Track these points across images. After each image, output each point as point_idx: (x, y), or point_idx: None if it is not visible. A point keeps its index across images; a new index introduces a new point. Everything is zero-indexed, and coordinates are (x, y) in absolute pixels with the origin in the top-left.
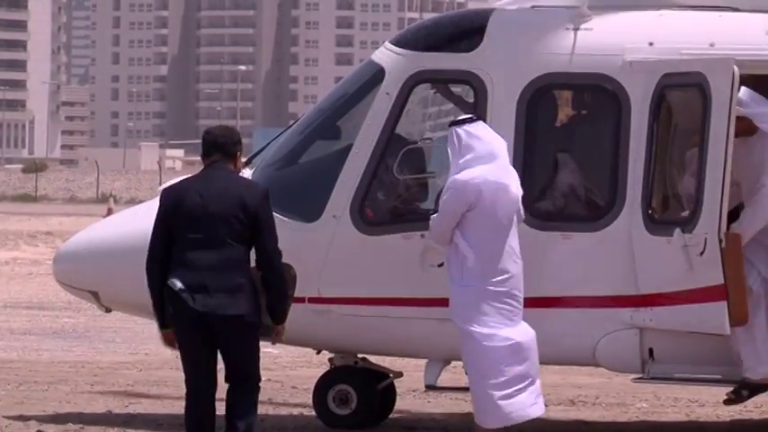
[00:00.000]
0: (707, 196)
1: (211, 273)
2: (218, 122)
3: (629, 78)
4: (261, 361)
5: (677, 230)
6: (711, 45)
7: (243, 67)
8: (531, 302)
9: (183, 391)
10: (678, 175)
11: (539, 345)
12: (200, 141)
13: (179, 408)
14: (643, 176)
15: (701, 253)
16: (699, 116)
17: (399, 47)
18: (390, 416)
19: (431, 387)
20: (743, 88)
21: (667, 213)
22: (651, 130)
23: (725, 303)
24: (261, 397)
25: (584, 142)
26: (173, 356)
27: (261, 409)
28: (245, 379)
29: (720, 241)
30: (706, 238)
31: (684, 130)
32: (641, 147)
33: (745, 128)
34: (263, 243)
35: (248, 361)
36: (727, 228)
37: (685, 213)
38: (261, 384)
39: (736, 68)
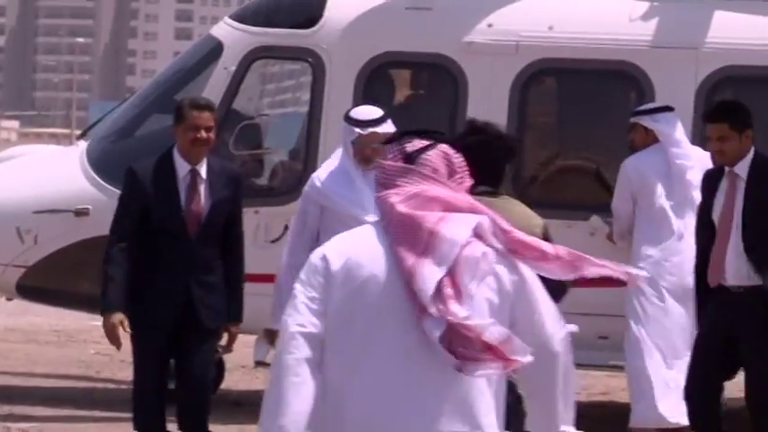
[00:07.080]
0: None
1: None
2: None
3: (467, 59)
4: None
5: None
6: (550, 28)
7: (81, 40)
8: None
9: (25, 361)
10: None
11: None
12: (35, 113)
13: (25, 379)
14: None
15: None
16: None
17: (239, 22)
18: (218, 391)
19: (260, 363)
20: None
21: None
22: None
23: None
24: (87, 370)
25: (420, 122)
26: (12, 327)
27: (88, 383)
28: None
29: None
30: None
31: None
32: None
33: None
34: None
35: None
36: None
37: None
38: (91, 357)
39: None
